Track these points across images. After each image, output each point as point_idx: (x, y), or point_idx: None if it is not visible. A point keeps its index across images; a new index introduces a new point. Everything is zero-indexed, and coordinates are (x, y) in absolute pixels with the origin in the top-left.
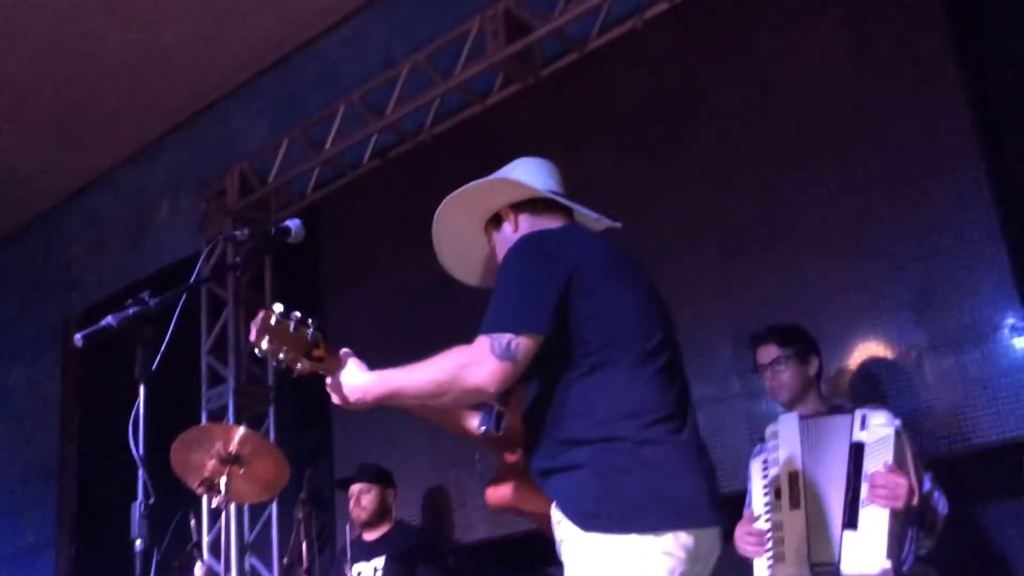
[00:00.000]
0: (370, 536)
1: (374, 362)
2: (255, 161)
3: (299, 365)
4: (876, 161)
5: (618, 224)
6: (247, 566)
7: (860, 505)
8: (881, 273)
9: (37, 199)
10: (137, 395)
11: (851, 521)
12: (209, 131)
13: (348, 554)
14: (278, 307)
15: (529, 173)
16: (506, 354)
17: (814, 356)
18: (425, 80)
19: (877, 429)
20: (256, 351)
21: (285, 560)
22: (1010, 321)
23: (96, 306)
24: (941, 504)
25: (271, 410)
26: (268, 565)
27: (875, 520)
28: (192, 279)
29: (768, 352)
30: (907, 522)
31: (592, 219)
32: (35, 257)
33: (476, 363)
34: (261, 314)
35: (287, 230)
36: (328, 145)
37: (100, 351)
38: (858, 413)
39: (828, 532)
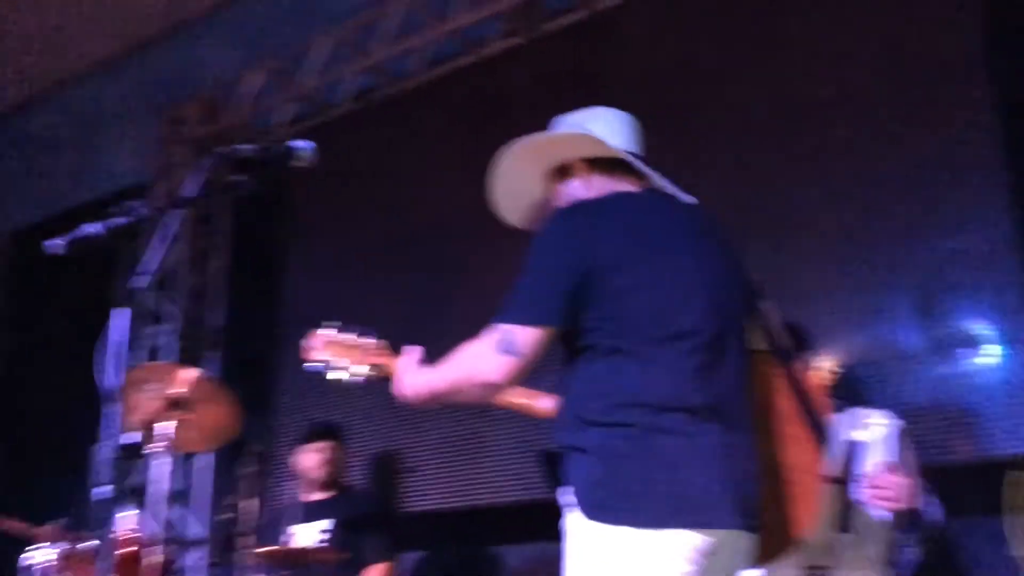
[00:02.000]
0: (316, 498)
1: (334, 316)
2: (222, 90)
3: (362, 372)
4: (889, 160)
5: (692, 200)
6: (174, 516)
7: (855, 508)
8: (883, 274)
9: None
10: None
11: (845, 524)
12: (173, 55)
13: (292, 514)
14: (335, 324)
15: (610, 128)
16: (508, 348)
17: (803, 353)
18: (418, 22)
19: (876, 428)
20: (312, 364)
21: (227, 516)
22: (1016, 332)
23: (34, 227)
24: (938, 512)
25: (215, 355)
26: (195, 516)
27: (872, 523)
28: (188, 194)
29: None
30: (905, 525)
31: (666, 184)
32: None
33: (481, 358)
34: (319, 332)
35: (294, 151)
36: (306, 81)
37: (29, 272)
38: (857, 411)
39: (823, 535)
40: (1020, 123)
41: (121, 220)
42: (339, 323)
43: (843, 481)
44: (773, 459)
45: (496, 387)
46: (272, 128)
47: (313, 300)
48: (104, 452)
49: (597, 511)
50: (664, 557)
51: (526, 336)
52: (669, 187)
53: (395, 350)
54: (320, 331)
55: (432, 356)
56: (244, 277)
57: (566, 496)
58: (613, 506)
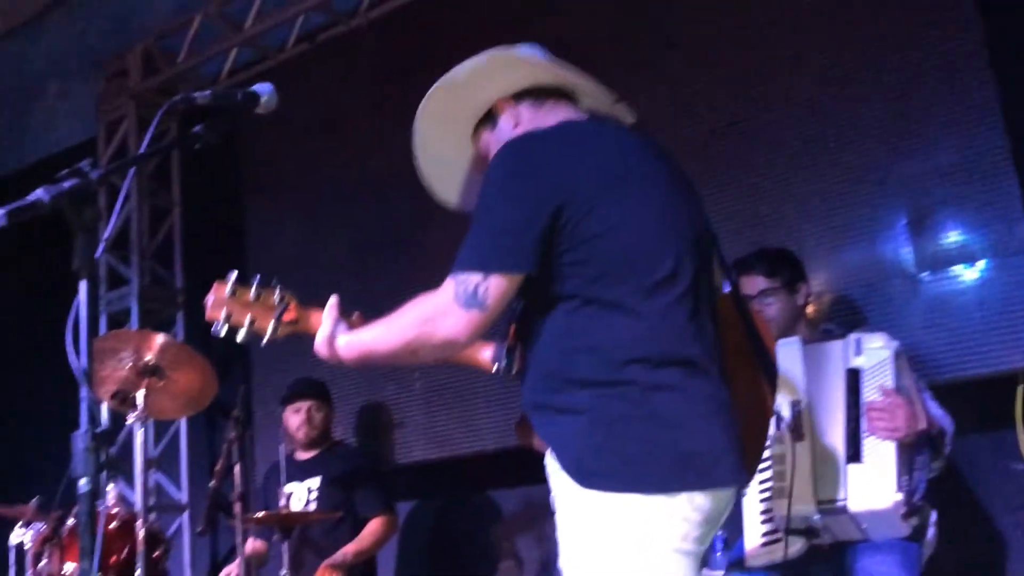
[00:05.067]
0: (304, 456)
1: (298, 272)
2: (162, 38)
3: (270, 332)
4: (876, 73)
5: (629, 119)
6: (151, 483)
7: (862, 435)
8: (874, 192)
9: None
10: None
11: (855, 454)
12: (105, 4)
13: (282, 473)
14: (232, 275)
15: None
16: (472, 301)
17: (803, 284)
18: None
19: (874, 353)
20: (214, 328)
21: (212, 483)
22: (1013, 244)
23: None
24: (946, 422)
25: (180, 316)
26: (175, 481)
27: (881, 450)
28: (143, 148)
29: (754, 283)
30: (916, 449)
31: (607, 104)
32: None
33: (441, 315)
34: (214, 287)
35: (255, 97)
36: (248, 24)
37: None
38: (852, 337)
39: (833, 466)
40: (1008, 29)
41: (67, 185)
42: (234, 273)
43: (849, 410)
44: (738, 401)
45: (459, 345)
46: (220, 77)
47: (275, 252)
48: (81, 441)
49: (596, 479)
50: (674, 522)
51: (493, 285)
52: (608, 100)
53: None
54: (216, 285)
55: (397, 305)
56: (201, 234)
57: (551, 461)
58: (615, 473)
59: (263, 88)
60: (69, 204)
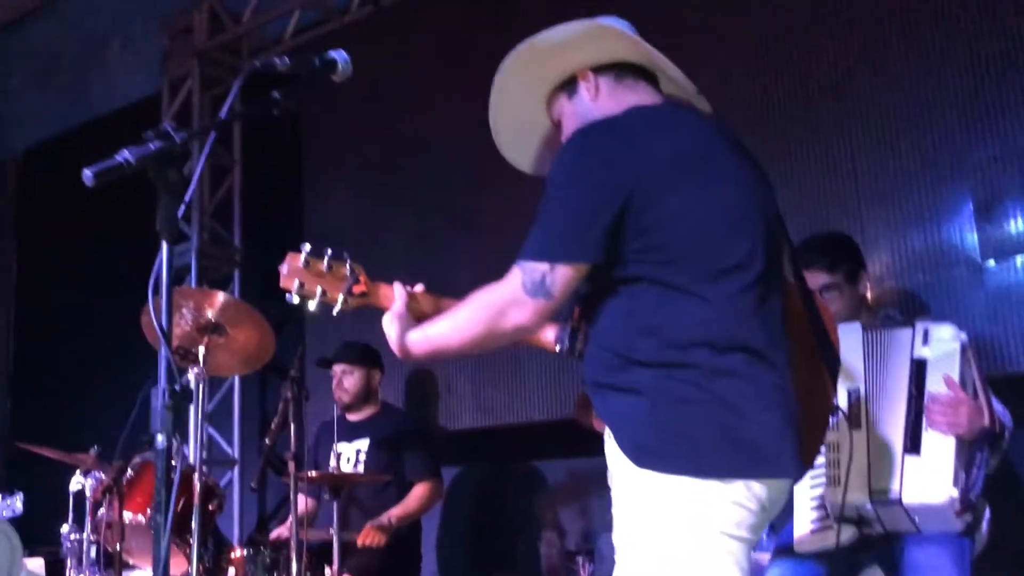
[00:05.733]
0: (354, 417)
1: (359, 241)
2: None
3: (340, 304)
4: (948, 51)
5: (709, 109)
6: (204, 436)
7: (923, 428)
8: (943, 174)
9: None
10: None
11: (913, 445)
12: None
13: (333, 433)
14: (306, 247)
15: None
16: (540, 290)
17: (863, 272)
18: None
19: (941, 344)
20: (287, 296)
21: (267, 441)
22: None
23: (39, 146)
24: (1006, 418)
25: (236, 274)
26: (227, 437)
27: (940, 444)
28: (224, 113)
29: (816, 279)
30: (976, 445)
31: (688, 92)
32: None
33: (509, 305)
34: (288, 257)
35: (332, 63)
36: None
37: (33, 190)
38: (919, 326)
39: (889, 457)
40: None
41: (153, 147)
42: (309, 246)
43: (911, 401)
44: (800, 393)
45: (528, 333)
46: (284, 38)
47: (332, 215)
48: (159, 399)
49: (653, 459)
50: (729, 508)
51: (560, 275)
52: (690, 89)
53: (393, 271)
54: (290, 256)
55: (451, 271)
56: (259, 194)
57: (609, 439)
58: (673, 454)
59: (339, 55)
60: (154, 166)
